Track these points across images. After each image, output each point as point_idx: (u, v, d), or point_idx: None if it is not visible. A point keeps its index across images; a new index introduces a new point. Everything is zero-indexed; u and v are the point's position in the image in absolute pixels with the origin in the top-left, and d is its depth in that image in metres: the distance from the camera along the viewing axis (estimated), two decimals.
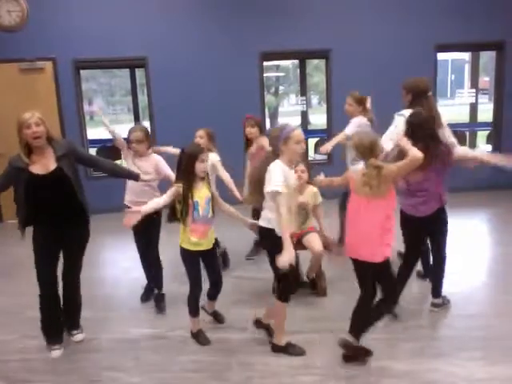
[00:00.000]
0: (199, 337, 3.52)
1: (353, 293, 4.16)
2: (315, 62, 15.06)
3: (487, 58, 10.51)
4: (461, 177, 4.95)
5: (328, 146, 4.65)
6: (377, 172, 2.95)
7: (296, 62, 10.49)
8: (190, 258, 3.36)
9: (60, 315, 3.50)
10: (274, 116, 23.01)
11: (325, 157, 8.39)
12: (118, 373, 3.17)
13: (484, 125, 8.68)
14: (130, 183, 4.02)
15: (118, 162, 4.70)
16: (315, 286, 4.25)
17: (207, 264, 3.50)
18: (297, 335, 3.45)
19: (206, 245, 3.38)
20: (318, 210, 4.19)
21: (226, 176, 4.63)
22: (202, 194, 3.29)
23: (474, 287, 4.23)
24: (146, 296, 4.27)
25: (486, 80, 14.42)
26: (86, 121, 7.95)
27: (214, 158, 4.53)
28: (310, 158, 8.88)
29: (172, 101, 7.25)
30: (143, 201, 3.52)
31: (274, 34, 7.41)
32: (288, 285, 3.19)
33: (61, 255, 3.43)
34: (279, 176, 3.01)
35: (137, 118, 8.10)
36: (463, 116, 9.68)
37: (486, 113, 9.72)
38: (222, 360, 3.28)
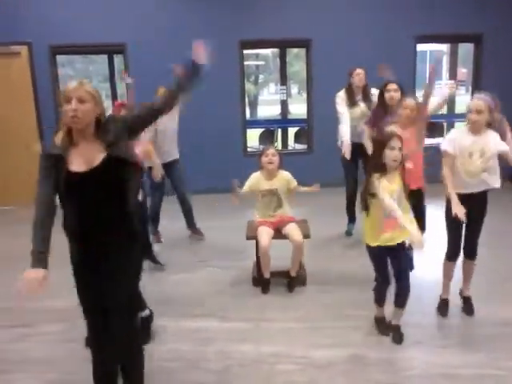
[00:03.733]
0: (379, 325, 3.40)
1: (330, 284, 4.18)
2: (295, 50, 15.00)
3: (465, 49, 10.61)
4: None
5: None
6: None
7: (276, 50, 10.41)
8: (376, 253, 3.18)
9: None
10: (253, 104, 22.94)
11: (305, 146, 8.42)
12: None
13: (462, 116, 8.75)
14: None
15: None
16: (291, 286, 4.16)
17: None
18: (274, 323, 3.46)
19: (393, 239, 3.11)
20: (296, 190, 4.21)
21: None
22: (393, 185, 3.02)
23: None
24: None
25: (463, 71, 14.54)
26: None
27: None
28: (289, 148, 8.91)
29: (150, 88, 7.11)
30: None
31: (255, 22, 7.36)
32: None
33: None
34: (451, 136, 3.50)
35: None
36: None
37: (463, 104, 9.80)
38: (200, 349, 3.27)
